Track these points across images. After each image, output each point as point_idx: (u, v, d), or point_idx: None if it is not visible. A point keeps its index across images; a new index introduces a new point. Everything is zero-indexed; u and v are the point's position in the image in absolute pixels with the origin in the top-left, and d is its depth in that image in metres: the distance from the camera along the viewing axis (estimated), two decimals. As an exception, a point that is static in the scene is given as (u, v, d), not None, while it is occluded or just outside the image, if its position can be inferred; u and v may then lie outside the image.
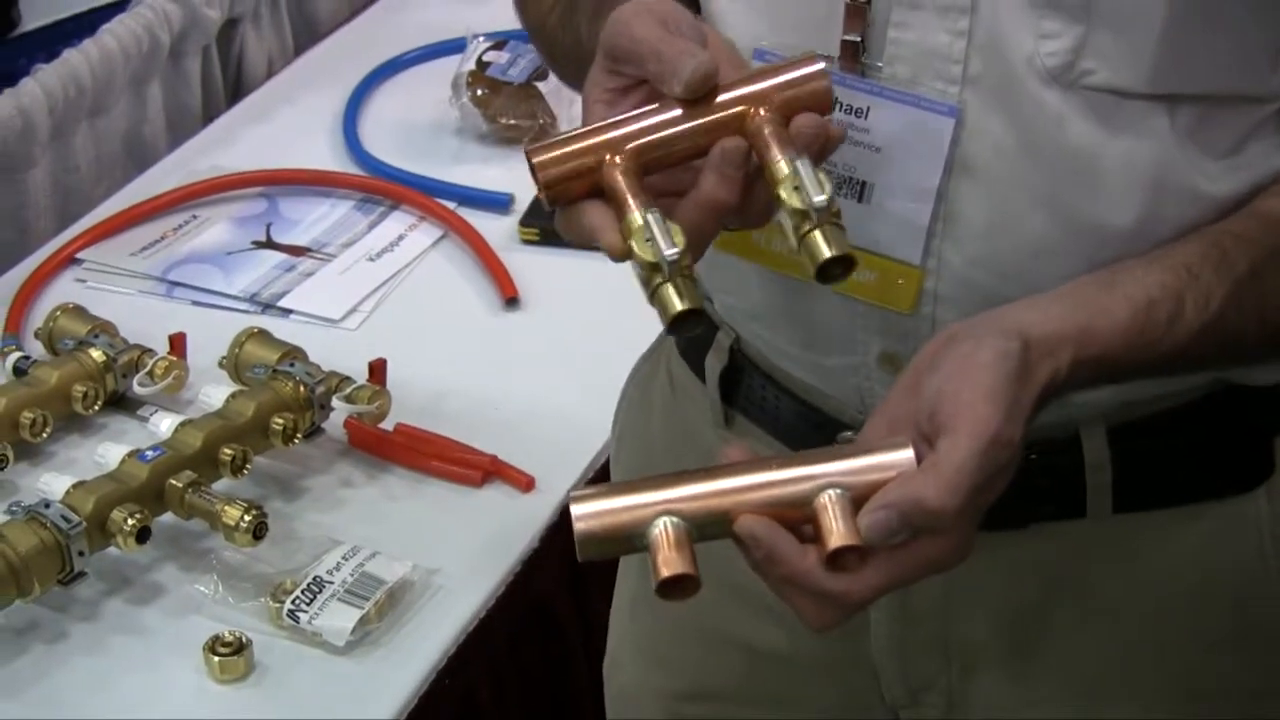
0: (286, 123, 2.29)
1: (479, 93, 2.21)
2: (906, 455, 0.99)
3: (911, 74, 1.11)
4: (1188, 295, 1.05)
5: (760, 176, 1.02)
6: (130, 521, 1.50)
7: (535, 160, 1.03)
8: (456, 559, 1.59)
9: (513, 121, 2.20)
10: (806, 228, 1.00)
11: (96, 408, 1.72)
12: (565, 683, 1.74)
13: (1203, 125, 1.08)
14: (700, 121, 1.03)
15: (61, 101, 2.08)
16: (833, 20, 1.12)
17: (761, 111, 1.03)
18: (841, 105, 1.12)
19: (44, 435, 1.69)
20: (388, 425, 1.72)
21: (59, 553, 1.48)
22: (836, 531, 0.97)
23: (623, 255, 1.01)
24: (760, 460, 1.01)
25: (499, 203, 2.09)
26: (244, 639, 1.47)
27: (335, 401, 1.69)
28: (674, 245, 0.99)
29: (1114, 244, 1.10)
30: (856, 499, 0.98)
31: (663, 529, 0.98)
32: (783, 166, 1.01)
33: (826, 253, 1.00)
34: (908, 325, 1.15)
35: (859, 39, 1.11)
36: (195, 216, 2.09)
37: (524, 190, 2.07)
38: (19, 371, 1.74)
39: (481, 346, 1.87)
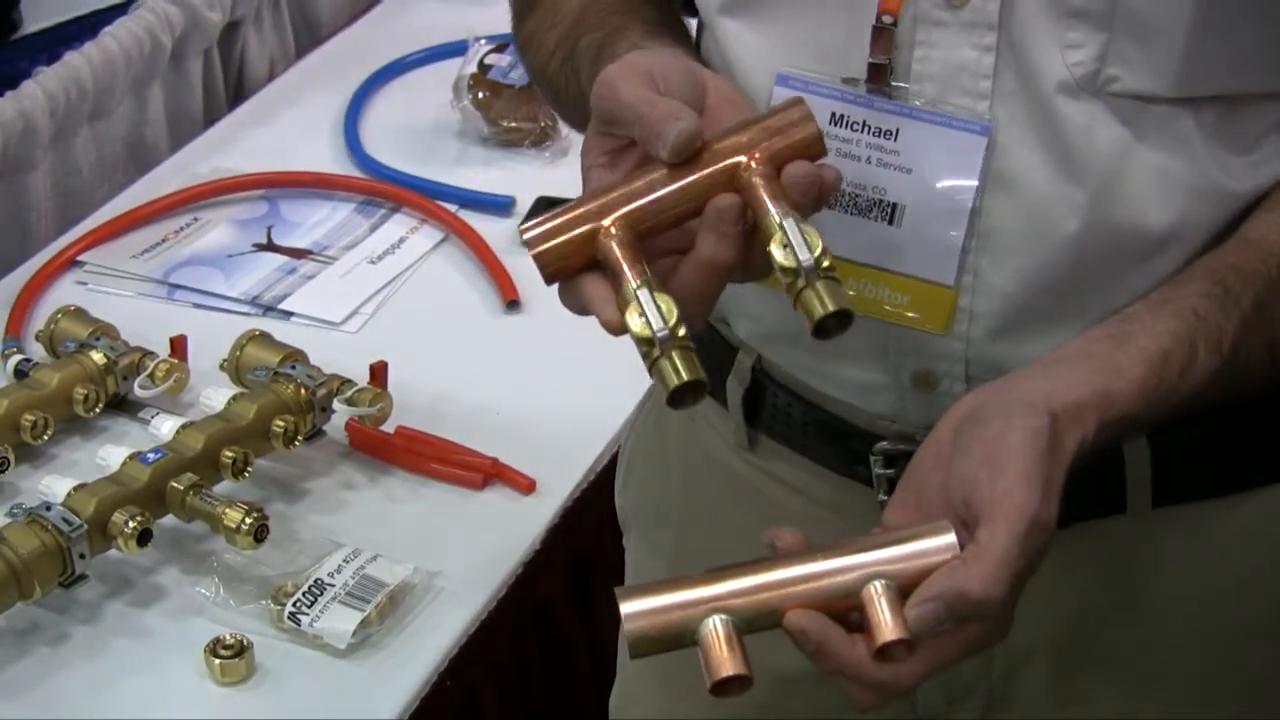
0: (288, 125, 2.29)
1: (480, 95, 2.21)
2: (949, 540, 0.99)
3: (939, 93, 1.10)
4: (1199, 341, 1.05)
5: (757, 230, 1.02)
6: (131, 524, 1.50)
7: (528, 238, 1.03)
8: (458, 561, 1.59)
9: (514, 124, 2.20)
10: (800, 286, 1.00)
11: (98, 410, 1.72)
12: (567, 685, 1.74)
13: (1225, 124, 1.08)
14: (690, 182, 1.02)
15: (63, 104, 2.08)
16: (854, 43, 1.11)
17: (753, 164, 1.02)
18: (870, 129, 1.12)
19: (45, 437, 1.68)
20: (389, 428, 1.72)
21: (60, 555, 1.48)
22: (885, 625, 0.98)
23: (620, 330, 1.00)
24: (805, 552, 1.01)
25: (500, 205, 2.09)
26: (245, 641, 1.47)
27: (336, 404, 1.69)
28: (664, 322, 0.99)
29: (1148, 250, 1.10)
30: (902, 588, 0.99)
31: (713, 628, 0.98)
32: (775, 222, 1.00)
33: (821, 310, 1.00)
34: (942, 346, 1.15)
35: (886, 61, 1.11)
36: (196, 219, 2.09)
37: (525, 193, 2.08)
38: (20, 374, 1.74)
39: (483, 349, 1.87)
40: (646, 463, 1.41)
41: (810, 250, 0.99)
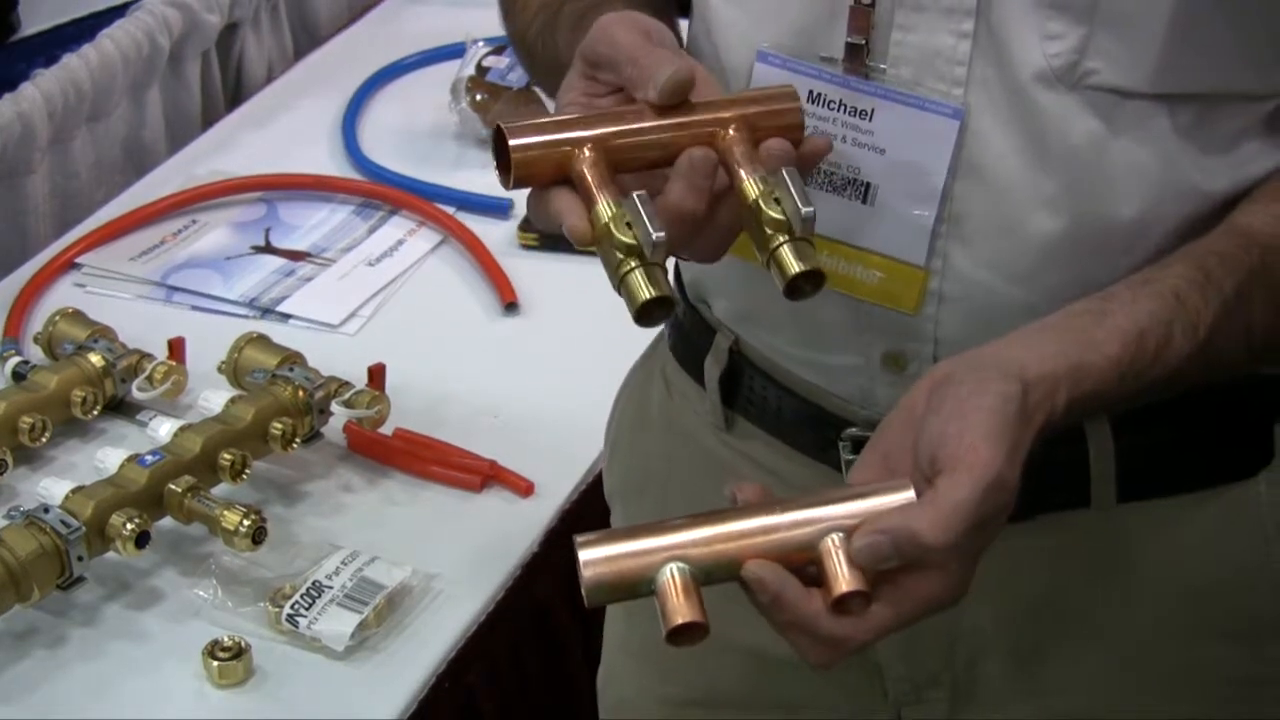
0: (286, 127, 2.30)
1: (478, 98, 2.21)
2: (908, 495, 0.99)
3: (915, 76, 1.11)
4: (1176, 323, 1.05)
5: (726, 198, 1.03)
6: (129, 526, 1.50)
7: (512, 141, 1.04)
8: (456, 564, 1.59)
9: (512, 126, 2.20)
10: (779, 241, 1.01)
11: (96, 412, 1.72)
12: (565, 687, 1.74)
13: (1201, 124, 1.09)
14: (673, 125, 1.04)
15: (61, 107, 2.08)
16: (834, 23, 1.12)
17: (732, 131, 1.04)
18: (846, 108, 1.13)
19: (43, 440, 1.68)
20: (387, 430, 1.72)
21: (58, 557, 1.48)
22: (841, 577, 0.98)
23: (588, 240, 1.01)
24: (765, 504, 1.01)
25: (498, 208, 2.09)
26: (243, 644, 1.47)
27: (334, 406, 1.69)
28: (659, 229, 1.00)
29: (1117, 246, 1.11)
30: None
31: (670, 576, 0.98)
32: (757, 182, 1.02)
33: (795, 268, 1.01)
34: (912, 325, 1.16)
35: (863, 41, 1.12)
36: (195, 221, 2.09)
37: (522, 195, 2.06)
38: (18, 376, 1.74)
39: (481, 351, 1.87)
40: (630, 440, 1.42)
41: (807, 202, 1.01)
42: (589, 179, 1.02)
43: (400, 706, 1.47)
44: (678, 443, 1.35)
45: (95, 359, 1.73)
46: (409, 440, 1.72)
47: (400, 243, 2.06)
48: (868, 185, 1.14)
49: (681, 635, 0.98)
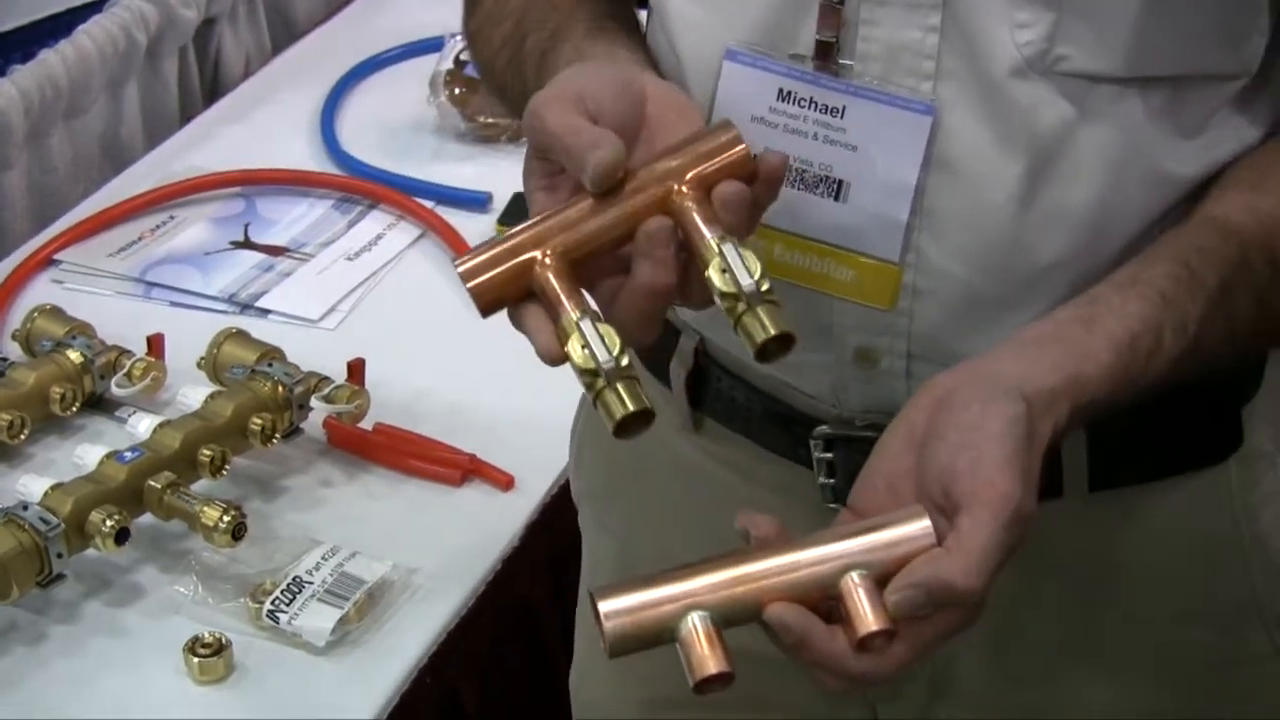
0: (264, 122, 2.29)
1: (457, 91, 2.21)
2: (924, 526, 0.99)
3: (884, 72, 1.10)
4: (1165, 325, 1.05)
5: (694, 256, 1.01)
6: (109, 523, 1.50)
7: (462, 270, 1.02)
8: (436, 558, 1.59)
9: (491, 120, 2.20)
10: (740, 310, 0.99)
11: (74, 409, 1.72)
12: (547, 681, 1.74)
13: (1172, 106, 1.09)
14: (621, 209, 1.02)
15: (38, 103, 2.08)
16: (803, 19, 1.11)
17: (683, 189, 1.02)
18: (817, 105, 1.12)
19: (22, 437, 1.68)
20: (367, 425, 1.72)
21: (38, 555, 1.48)
22: (864, 616, 0.98)
23: (557, 360, 1.00)
24: (780, 542, 1.01)
25: (477, 201, 2.08)
26: (224, 640, 1.47)
27: (314, 401, 1.69)
28: (609, 352, 0.98)
29: (1086, 229, 1.10)
30: (880, 577, 0.99)
31: (693, 626, 0.98)
32: (712, 247, 1.00)
33: (763, 334, 0.99)
34: (885, 321, 1.15)
35: (834, 38, 1.11)
36: (173, 217, 2.08)
37: (502, 189, 2.08)
38: (-4, 373, 1.73)
39: (460, 346, 1.86)
40: (596, 442, 1.42)
41: (750, 274, 0.99)
42: (549, 291, 1.01)
43: (381, 702, 1.47)
44: (646, 445, 1.34)
45: (74, 356, 1.73)
46: (389, 435, 1.71)
47: (379, 237, 2.05)
48: (840, 183, 1.14)
49: (709, 685, 0.98)
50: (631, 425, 0.99)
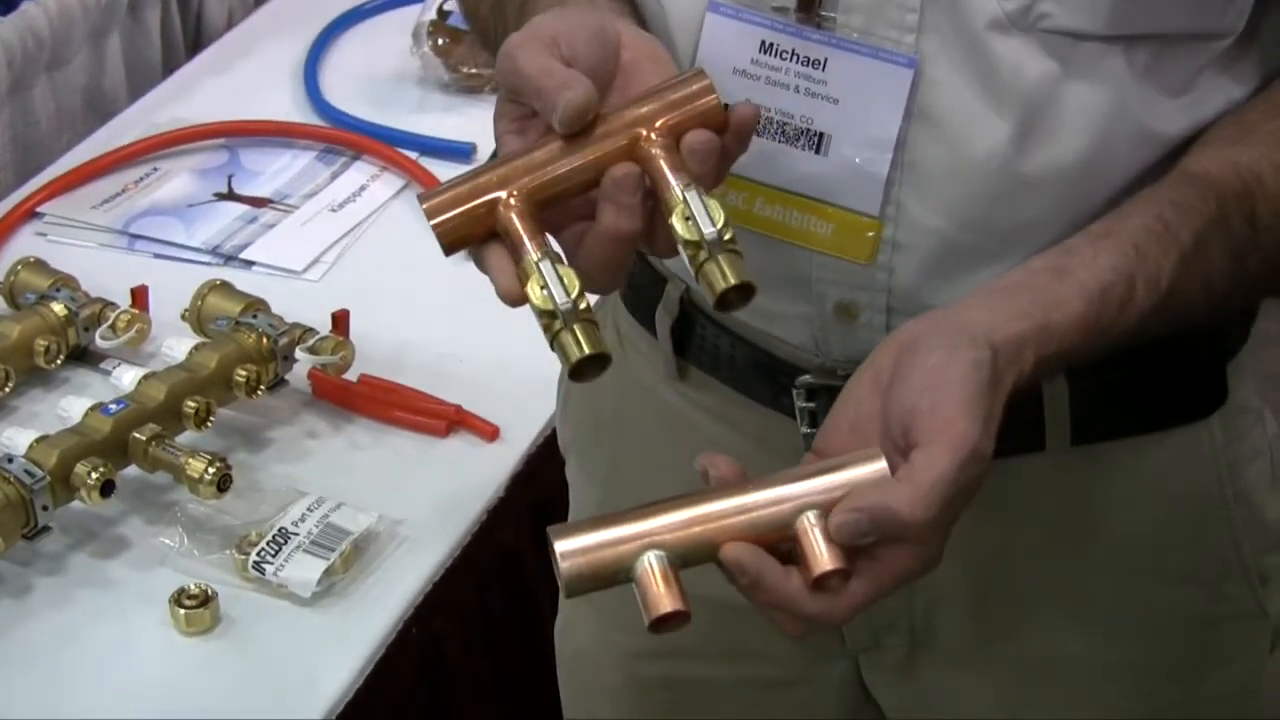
0: (247, 74, 2.28)
1: (440, 42, 2.20)
2: (880, 467, 0.99)
3: (866, 24, 1.10)
4: (1138, 277, 1.05)
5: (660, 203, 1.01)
6: (94, 475, 1.50)
7: (426, 207, 1.02)
8: (422, 509, 1.59)
9: (474, 70, 2.19)
10: (702, 258, 0.99)
11: (59, 362, 1.72)
12: (532, 631, 1.74)
13: (1157, 64, 1.09)
14: (588, 153, 1.02)
15: (20, 55, 2.07)
16: None
17: (653, 135, 1.01)
18: (799, 58, 1.12)
19: (6, 390, 1.68)
20: (351, 376, 1.72)
21: (23, 507, 1.48)
22: (819, 556, 0.98)
23: (517, 300, 1.00)
24: (737, 483, 1.01)
25: (461, 152, 2.08)
26: (210, 591, 1.47)
27: (299, 353, 1.69)
28: (567, 294, 0.98)
29: (1071, 189, 1.10)
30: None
31: (648, 565, 0.98)
32: (676, 195, 1.00)
33: (723, 283, 0.99)
34: (865, 275, 1.15)
35: None
36: (156, 169, 2.08)
37: (486, 139, 2.07)
38: (-20, 326, 1.73)
39: (445, 297, 1.86)
40: (582, 390, 1.42)
41: (713, 223, 0.99)
42: (512, 232, 1.01)
43: (368, 652, 1.47)
44: (631, 394, 1.35)
45: (58, 308, 1.73)
46: (374, 386, 1.71)
47: (363, 188, 2.05)
48: (821, 135, 1.13)
49: (664, 624, 0.98)
50: (587, 368, 0.99)
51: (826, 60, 1.12)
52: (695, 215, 0.99)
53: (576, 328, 0.99)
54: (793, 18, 1.12)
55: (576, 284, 0.99)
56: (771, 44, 1.13)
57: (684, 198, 0.99)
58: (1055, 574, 1.25)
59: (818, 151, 1.13)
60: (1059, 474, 1.21)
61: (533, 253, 1.00)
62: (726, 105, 1.03)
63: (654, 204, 1.01)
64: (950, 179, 1.11)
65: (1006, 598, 1.26)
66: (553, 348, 1.00)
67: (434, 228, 1.02)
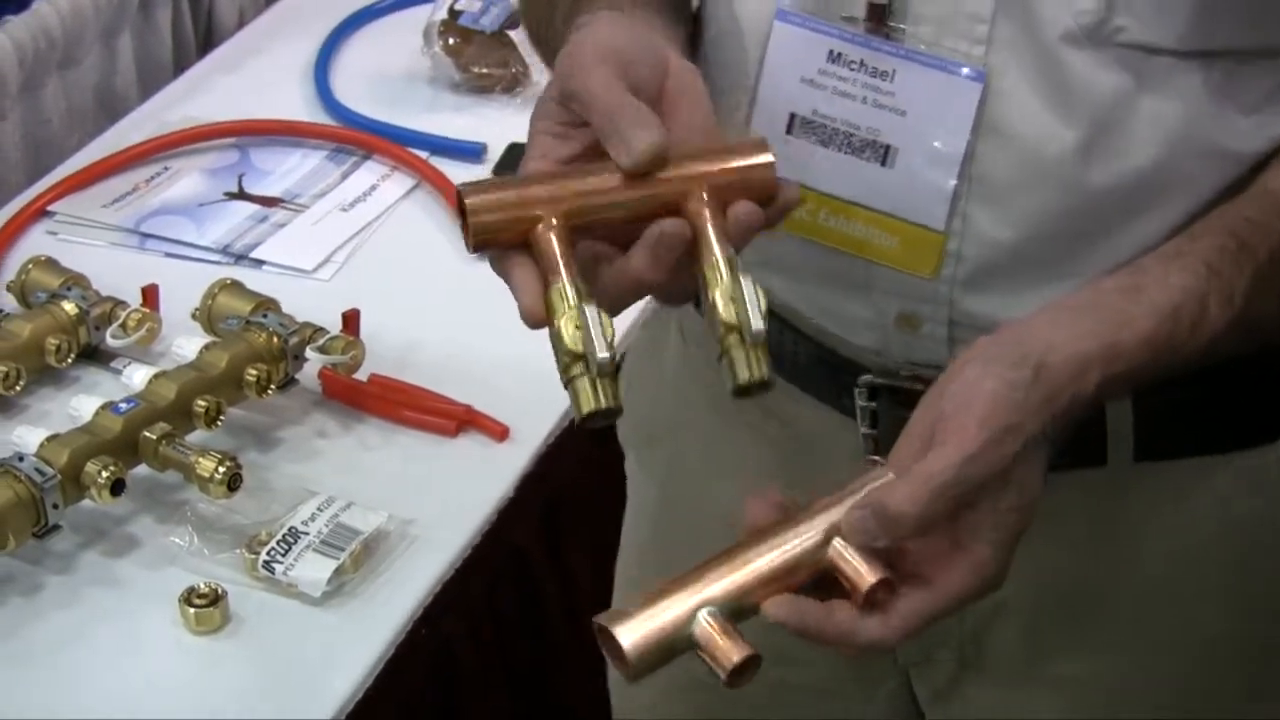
0: (258, 73, 2.28)
1: (451, 42, 2.20)
2: (889, 480, 1.01)
3: (936, 36, 1.09)
4: (1211, 296, 1.04)
5: (689, 261, 1.00)
6: (104, 474, 1.50)
7: (470, 202, 1.01)
8: (432, 509, 1.59)
9: (485, 70, 2.19)
10: (733, 343, 0.99)
11: (69, 360, 1.72)
12: (542, 631, 1.75)
13: (1231, 81, 1.07)
14: (643, 196, 1.01)
15: (32, 54, 2.07)
16: None
17: (704, 195, 1.01)
18: (866, 68, 1.12)
19: (17, 388, 1.68)
20: (362, 376, 1.72)
21: (34, 506, 1.48)
22: (861, 575, 0.99)
23: (538, 323, 0.99)
24: (769, 527, 1.02)
25: (471, 152, 2.08)
26: (219, 590, 1.47)
27: (309, 352, 1.69)
28: (607, 348, 0.97)
29: (1140, 204, 1.09)
30: None
31: (706, 624, 0.99)
32: (722, 269, 0.99)
33: (749, 376, 0.99)
34: (928, 288, 1.15)
35: (886, 1, 1.10)
36: (167, 168, 2.08)
37: (496, 139, 2.07)
38: (-9, 325, 1.73)
39: (455, 296, 1.87)
40: (642, 386, 1.41)
41: (763, 319, 0.99)
42: (548, 254, 1.00)
43: (378, 652, 1.47)
44: (693, 390, 1.34)
45: (69, 307, 1.73)
46: (384, 386, 1.71)
47: (374, 188, 2.05)
48: (887, 148, 1.12)
49: (740, 674, 0.98)
50: (596, 419, 0.99)
51: (895, 71, 1.11)
52: (746, 304, 0.98)
53: (602, 380, 0.98)
54: (862, 28, 1.11)
55: (614, 335, 0.98)
56: (839, 54, 1.12)
57: (736, 278, 0.99)
58: (1104, 594, 1.24)
59: (883, 164, 1.13)
60: (1119, 490, 1.20)
61: (569, 285, 0.98)
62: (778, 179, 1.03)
63: (681, 263, 1.00)
64: (1017, 192, 1.10)
65: (1059, 616, 1.25)
66: (567, 387, 0.99)
67: (471, 223, 1.01)
